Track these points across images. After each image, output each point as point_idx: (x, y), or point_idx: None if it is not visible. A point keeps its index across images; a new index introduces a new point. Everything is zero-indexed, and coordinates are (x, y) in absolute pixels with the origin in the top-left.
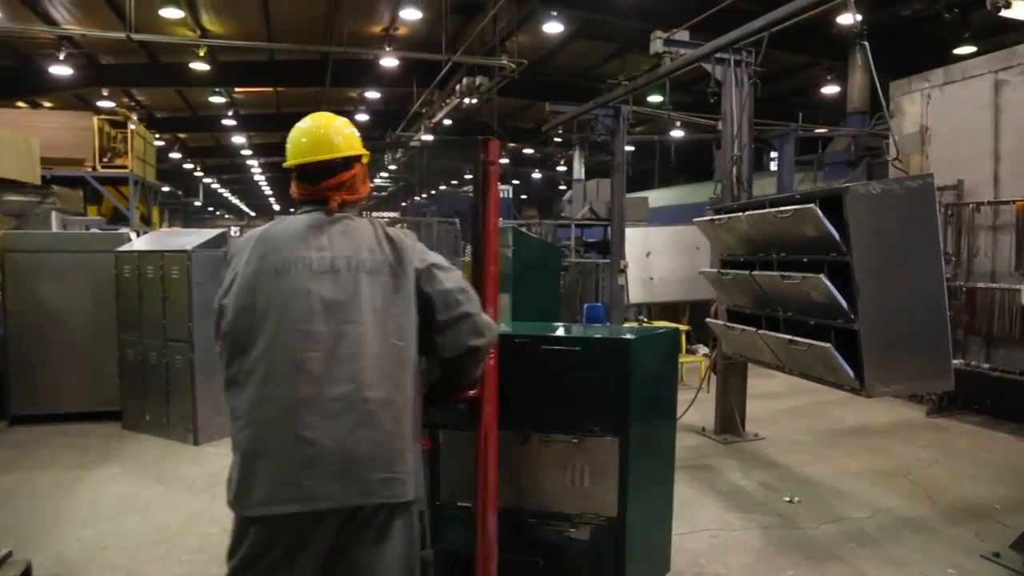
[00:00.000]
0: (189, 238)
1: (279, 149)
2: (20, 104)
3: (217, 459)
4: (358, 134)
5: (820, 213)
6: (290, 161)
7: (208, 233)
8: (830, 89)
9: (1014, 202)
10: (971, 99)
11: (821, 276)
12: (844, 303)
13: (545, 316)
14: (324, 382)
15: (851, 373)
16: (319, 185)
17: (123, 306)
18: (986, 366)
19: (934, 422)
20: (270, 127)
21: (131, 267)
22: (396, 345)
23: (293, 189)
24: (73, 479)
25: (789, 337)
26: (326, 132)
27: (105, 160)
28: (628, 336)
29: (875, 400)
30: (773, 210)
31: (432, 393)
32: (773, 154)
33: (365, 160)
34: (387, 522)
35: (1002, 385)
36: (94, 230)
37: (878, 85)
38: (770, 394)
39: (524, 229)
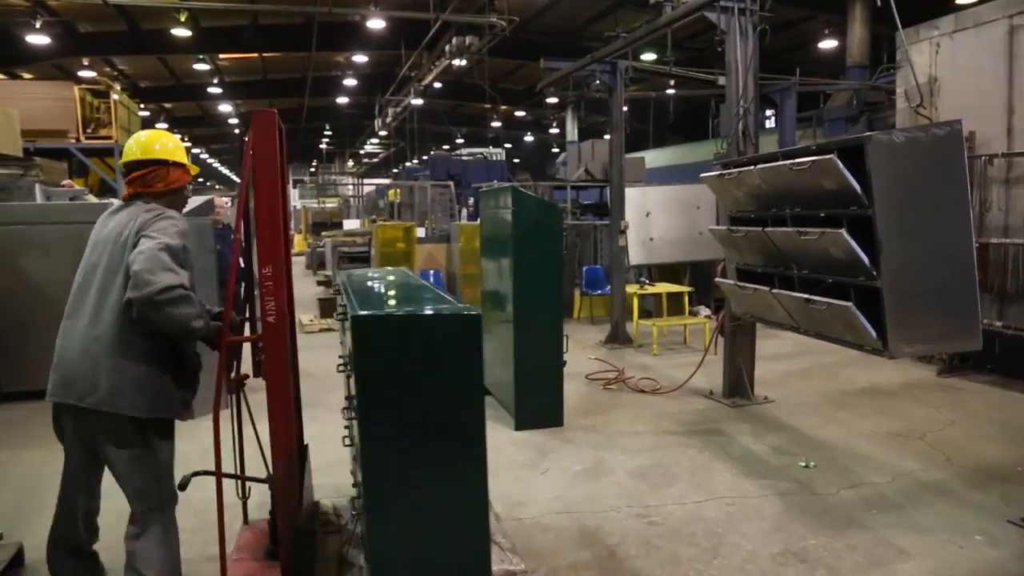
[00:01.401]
0: None
1: None
2: None
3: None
4: (168, 146)
5: (841, 164)
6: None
7: (194, 201)
8: (828, 44)
9: None
10: (983, 47)
11: (842, 231)
12: (866, 259)
13: (550, 281)
14: (77, 317)
15: (873, 333)
16: (126, 179)
17: None
18: (999, 324)
19: (946, 382)
20: (257, 95)
21: None
22: (120, 295)
23: None
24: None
25: (807, 296)
26: (131, 143)
27: (89, 131)
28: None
29: (884, 360)
30: (788, 162)
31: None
32: (769, 112)
33: (175, 162)
34: (102, 427)
35: (1016, 343)
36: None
37: (900, 28)
38: (777, 355)
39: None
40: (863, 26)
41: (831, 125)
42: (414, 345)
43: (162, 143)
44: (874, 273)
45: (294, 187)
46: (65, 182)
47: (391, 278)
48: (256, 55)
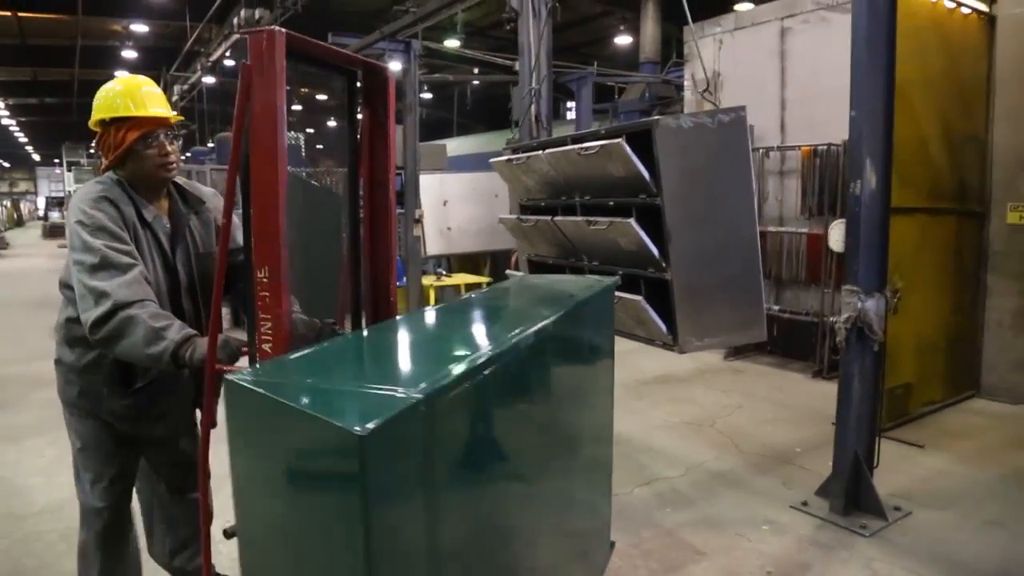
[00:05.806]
0: None
1: (30, 88)
2: None
3: None
4: (99, 100)
5: (629, 149)
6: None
7: None
8: (623, 40)
9: (799, 148)
10: (759, 45)
11: (630, 221)
12: (655, 250)
13: (328, 275)
14: None
15: (663, 328)
16: None
17: None
18: (776, 308)
19: (732, 365)
20: (14, 61)
21: None
22: None
23: None
24: None
25: None
26: None
27: None
28: None
29: None
30: (576, 147)
31: None
32: (570, 104)
33: (112, 119)
34: None
35: (790, 325)
36: None
37: (691, 21)
38: None
39: (313, 182)
40: (655, 24)
41: (626, 117)
42: None
43: (97, 99)
44: (663, 264)
45: (69, 170)
46: None
47: None
48: (10, 13)
